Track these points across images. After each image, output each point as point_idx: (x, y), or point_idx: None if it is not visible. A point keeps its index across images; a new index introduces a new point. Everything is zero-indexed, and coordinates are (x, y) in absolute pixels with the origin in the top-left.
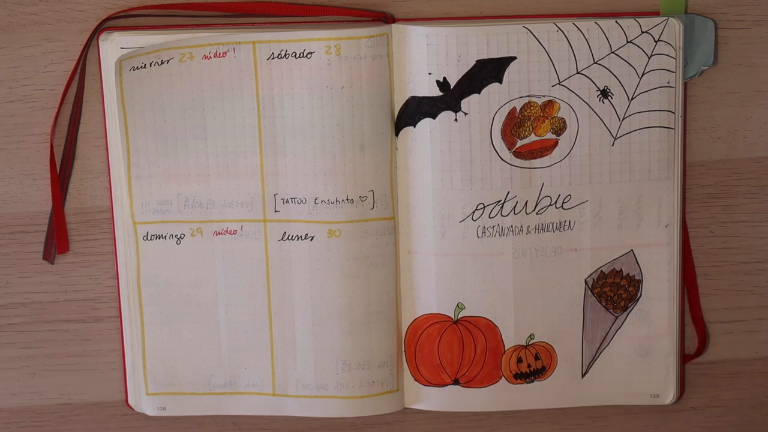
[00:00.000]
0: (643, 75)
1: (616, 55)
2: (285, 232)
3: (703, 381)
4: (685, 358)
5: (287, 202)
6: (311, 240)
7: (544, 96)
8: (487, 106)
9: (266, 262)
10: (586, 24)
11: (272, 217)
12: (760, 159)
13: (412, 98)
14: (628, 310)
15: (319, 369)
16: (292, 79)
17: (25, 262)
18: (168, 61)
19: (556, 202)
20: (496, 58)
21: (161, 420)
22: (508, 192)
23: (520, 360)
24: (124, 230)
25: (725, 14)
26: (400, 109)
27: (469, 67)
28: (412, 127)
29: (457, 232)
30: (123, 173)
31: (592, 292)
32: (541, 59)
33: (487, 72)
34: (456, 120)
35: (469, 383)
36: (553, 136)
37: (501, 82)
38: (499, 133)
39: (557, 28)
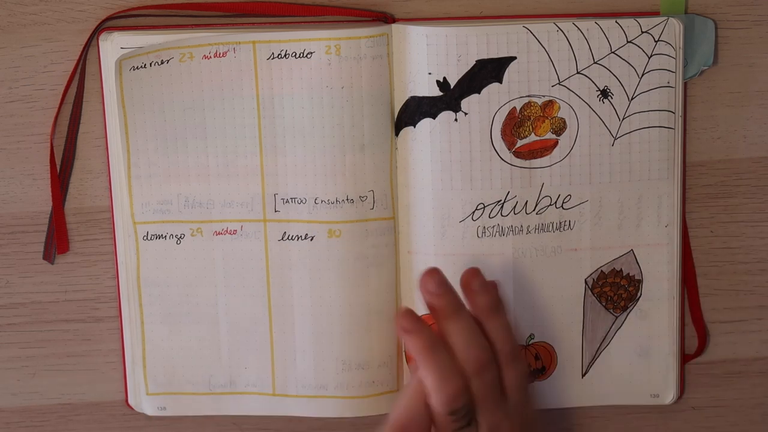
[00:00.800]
0: (643, 75)
1: (616, 55)
2: (285, 232)
3: (703, 381)
4: (685, 358)
5: (287, 202)
6: (311, 240)
7: (544, 96)
8: (487, 106)
9: (266, 262)
10: (586, 24)
11: (272, 217)
12: (760, 159)
13: (412, 98)
14: (628, 310)
15: (319, 369)
16: (292, 79)
17: (25, 262)
18: (168, 61)
19: (556, 202)
20: (496, 58)
21: (161, 420)
22: (508, 192)
23: None
24: (124, 230)
25: (725, 14)
26: (400, 109)
27: (469, 67)
28: (412, 127)
29: (457, 232)
30: (123, 173)
31: (592, 292)
32: (541, 59)
33: (487, 72)
34: (456, 120)
35: None
36: (553, 136)
37: (501, 82)
38: (499, 133)
39: (557, 28)
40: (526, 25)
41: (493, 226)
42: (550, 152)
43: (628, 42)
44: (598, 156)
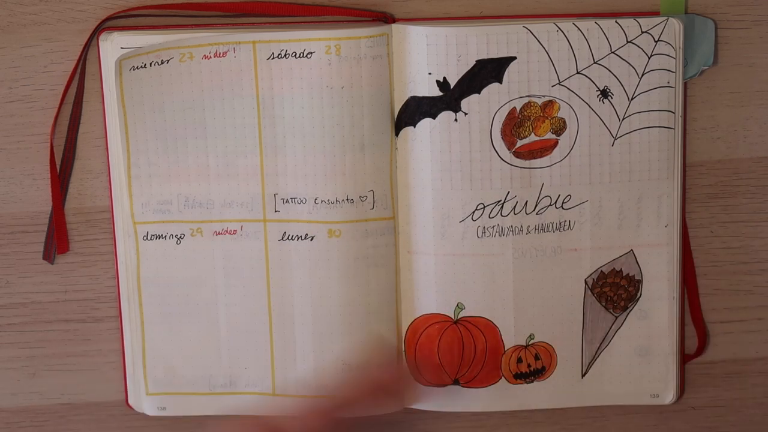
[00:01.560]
0: (643, 75)
1: (616, 55)
2: (285, 232)
3: (703, 381)
4: (685, 358)
5: (287, 202)
6: (311, 240)
7: (544, 96)
8: (487, 106)
9: (266, 262)
10: (586, 24)
11: (272, 217)
12: (760, 159)
13: (412, 98)
14: (628, 310)
15: (319, 369)
16: (292, 79)
17: (25, 262)
18: (168, 61)
19: (556, 202)
20: (496, 58)
21: (161, 420)
22: (508, 192)
23: (520, 360)
24: (124, 230)
25: (725, 14)
26: (400, 109)
27: (469, 67)
28: (412, 127)
29: (457, 232)
30: (123, 173)
31: (592, 292)
32: (541, 59)
33: (487, 72)
34: (456, 120)
35: (469, 383)
36: (553, 136)
37: (501, 82)
38: (499, 133)
39: (557, 28)
40: (526, 25)
41: (493, 226)
42: (550, 152)
43: (628, 42)
44: (598, 156)
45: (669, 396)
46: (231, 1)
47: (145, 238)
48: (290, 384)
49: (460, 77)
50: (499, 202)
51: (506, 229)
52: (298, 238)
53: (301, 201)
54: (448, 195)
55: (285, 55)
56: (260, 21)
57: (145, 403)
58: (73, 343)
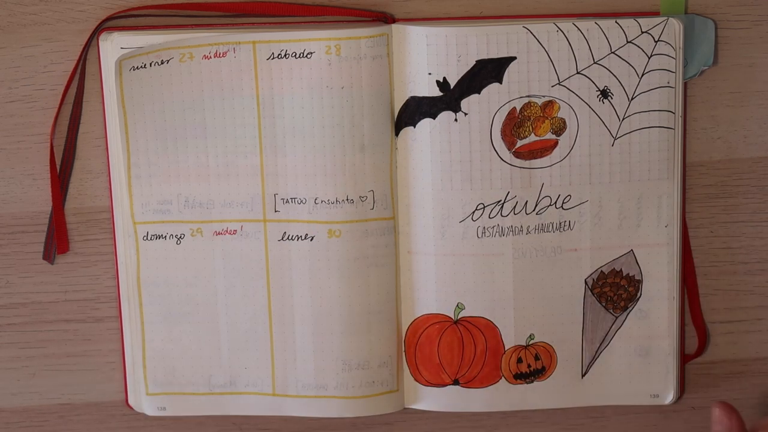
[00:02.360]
0: (643, 75)
1: (616, 55)
2: (285, 232)
3: (703, 381)
4: (685, 358)
5: (287, 202)
6: (311, 240)
7: (544, 96)
8: (486, 106)
9: (266, 262)
10: (586, 24)
11: (272, 217)
12: (760, 159)
13: (412, 98)
14: (628, 310)
15: (319, 369)
16: (292, 79)
17: (25, 262)
18: (168, 61)
19: (556, 203)
20: (496, 58)
21: (161, 420)
22: (508, 192)
23: (520, 360)
24: (124, 230)
25: (725, 14)
26: (400, 109)
27: (469, 67)
28: (412, 127)
29: (457, 232)
30: (123, 173)
31: (592, 292)
32: (541, 59)
33: (487, 72)
34: (456, 120)
35: (469, 383)
36: (553, 137)
37: (501, 82)
38: (499, 133)
39: (557, 29)
40: (526, 26)
41: (493, 227)
42: (550, 152)
43: (628, 42)
44: (598, 156)
45: (669, 396)
46: (231, 1)
47: (145, 238)
48: (290, 384)
49: (460, 77)
50: (499, 202)
51: (506, 229)
52: (298, 238)
53: (301, 201)
54: (448, 195)
55: (285, 55)
56: (260, 21)
57: (145, 403)
58: (73, 343)
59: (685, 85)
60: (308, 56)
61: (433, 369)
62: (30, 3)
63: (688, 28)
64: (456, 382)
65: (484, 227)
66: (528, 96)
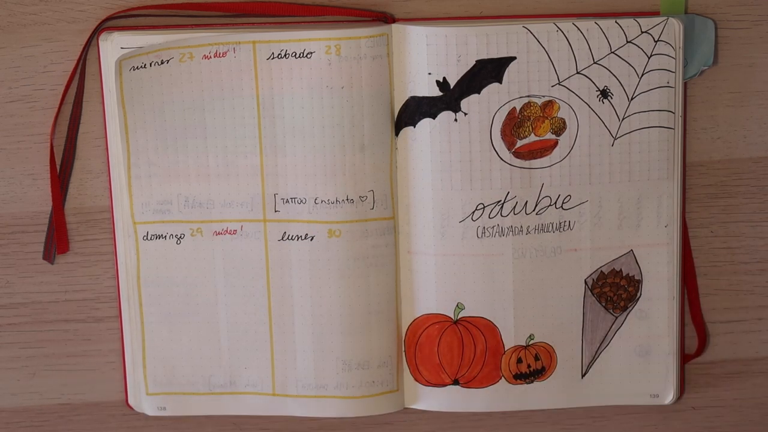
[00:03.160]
0: (642, 75)
1: (616, 55)
2: (285, 232)
3: (703, 381)
4: (685, 358)
5: (287, 202)
6: (311, 240)
7: (543, 96)
8: (486, 106)
9: (266, 262)
10: (585, 24)
11: (272, 217)
12: (760, 159)
13: (412, 98)
14: (628, 310)
15: (319, 369)
16: (292, 79)
17: (25, 262)
18: (168, 61)
19: (555, 203)
20: (496, 58)
21: (161, 420)
22: (508, 192)
23: (519, 360)
24: (124, 230)
25: (725, 14)
26: (400, 109)
27: (469, 67)
28: (412, 127)
29: (457, 232)
30: (123, 173)
31: (591, 292)
32: (541, 59)
33: (487, 72)
34: (456, 120)
35: (468, 383)
36: (553, 137)
37: (501, 82)
38: (499, 133)
39: (557, 28)
40: (525, 25)
41: (493, 227)
42: (550, 152)
43: (627, 42)
44: (597, 156)
45: (669, 396)
46: (231, 1)
47: (145, 238)
48: (290, 384)
49: (460, 77)
50: (499, 202)
51: (506, 229)
52: (298, 238)
53: (301, 201)
54: (448, 195)
55: (285, 55)
56: (260, 21)
57: (145, 403)
58: (73, 343)
59: (685, 85)
60: (308, 56)
61: (433, 369)
62: (30, 3)
63: (688, 28)
64: (456, 382)
65: (484, 227)
66: (528, 96)
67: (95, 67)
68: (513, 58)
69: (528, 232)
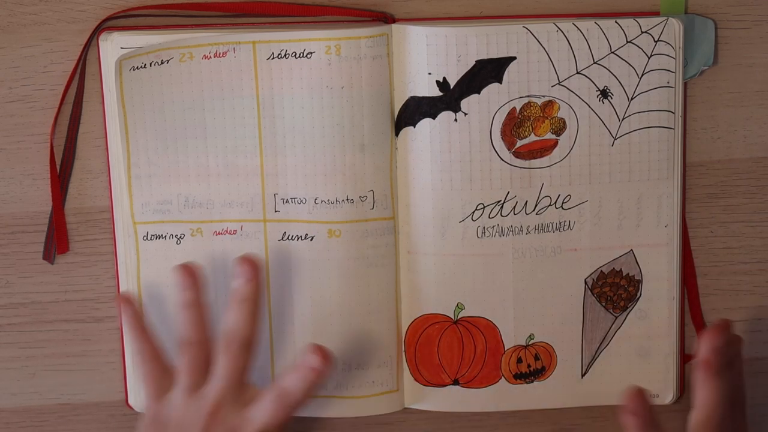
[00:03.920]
0: (642, 75)
1: (616, 55)
2: (285, 232)
3: None
4: (685, 358)
5: (287, 202)
6: (311, 240)
7: (543, 96)
8: (486, 106)
9: (266, 262)
10: (585, 24)
11: (272, 217)
12: (760, 159)
13: (412, 98)
14: (628, 310)
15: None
16: (292, 79)
17: (25, 262)
18: (168, 61)
19: (555, 202)
20: (496, 58)
21: None
22: (508, 192)
23: (519, 360)
24: (124, 230)
25: (725, 14)
26: (400, 109)
27: (469, 67)
28: (412, 127)
29: (457, 232)
30: (123, 173)
31: (591, 292)
32: (541, 59)
33: (487, 72)
34: (456, 120)
35: (468, 383)
36: (553, 137)
37: (501, 82)
38: (499, 133)
39: (557, 29)
40: (525, 26)
41: (493, 226)
42: (550, 152)
43: (627, 42)
44: (597, 156)
45: (669, 396)
46: (231, 1)
47: (145, 238)
48: None
49: (460, 77)
50: (498, 202)
51: (506, 229)
52: (298, 238)
53: (301, 201)
54: (448, 195)
55: (285, 55)
56: (260, 21)
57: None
58: (73, 343)
59: (685, 85)
60: (308, 56)
61: (433, 369)
62: (30, 3)
63: (688, 28)
64: (456, 382)
65: (483, 227)
66: (528, 96)
67: (95, 67)
68: (513, 58)
69: (528, 232)
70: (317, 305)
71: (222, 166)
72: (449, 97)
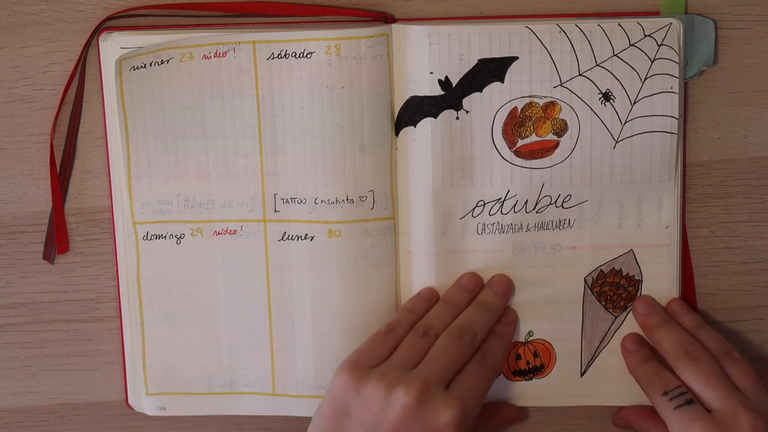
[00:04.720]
0: (645, 79)
1: (619, 57)
2: (285, 232)
3: None
4: None
5: (287, 202)
6: (311, 240)
7: (545, 97)
8: (488, 105)
9: (266, 262)
10: (588, 25)
11: (272, 217)
12: (760, 159)
13: (413, 98)
14: (628, 310)
15: (319, 369)
16: (292, 79)
17: (25, 262)
18: (168, 61)
19: (556, 201)
20: (498, 57)
21: (161, 420)
22: (509, 190)
23: (518, 357)
24: (124, 230)
25: (725, 14)
26: (400, 108)
27: (471, 66)
28: (412, 127)
29: (457, 228)
30: (123, 173)
31: (591, 291)
32: (543, 60)
33: (489, 71)
34: (457, 118)
35: None
36: (555, 137)
37: (503, 82)
38: (500, 131)
39: (559, 29)
40: (528, 25)
41: (493, 224)
42: (551, 153)
43: (630, 45)
44: (599, 158)
45: None
46: (231, 1)
47: (145, 238)
48: (290, 384)
49: (462, 76)
50: (499, 200)
51: (506, 227)
52: (298, 238)
53: (301, 201)
54: (448, 193)
55: (285, 55)
56: (260, 21)
57: (145, 403)
58: (73, 343)
59: (685, 85)
60: (308, 56)
61: None
62: (30, 3)
63: (688, 28)
64: None
65: (483, 224)
66: (530, 96)
67: (95, 67)
68: (515, 58)
69: (528, 230)
70: (317, 305)
71: (222, 166)
72: (451, 96)
